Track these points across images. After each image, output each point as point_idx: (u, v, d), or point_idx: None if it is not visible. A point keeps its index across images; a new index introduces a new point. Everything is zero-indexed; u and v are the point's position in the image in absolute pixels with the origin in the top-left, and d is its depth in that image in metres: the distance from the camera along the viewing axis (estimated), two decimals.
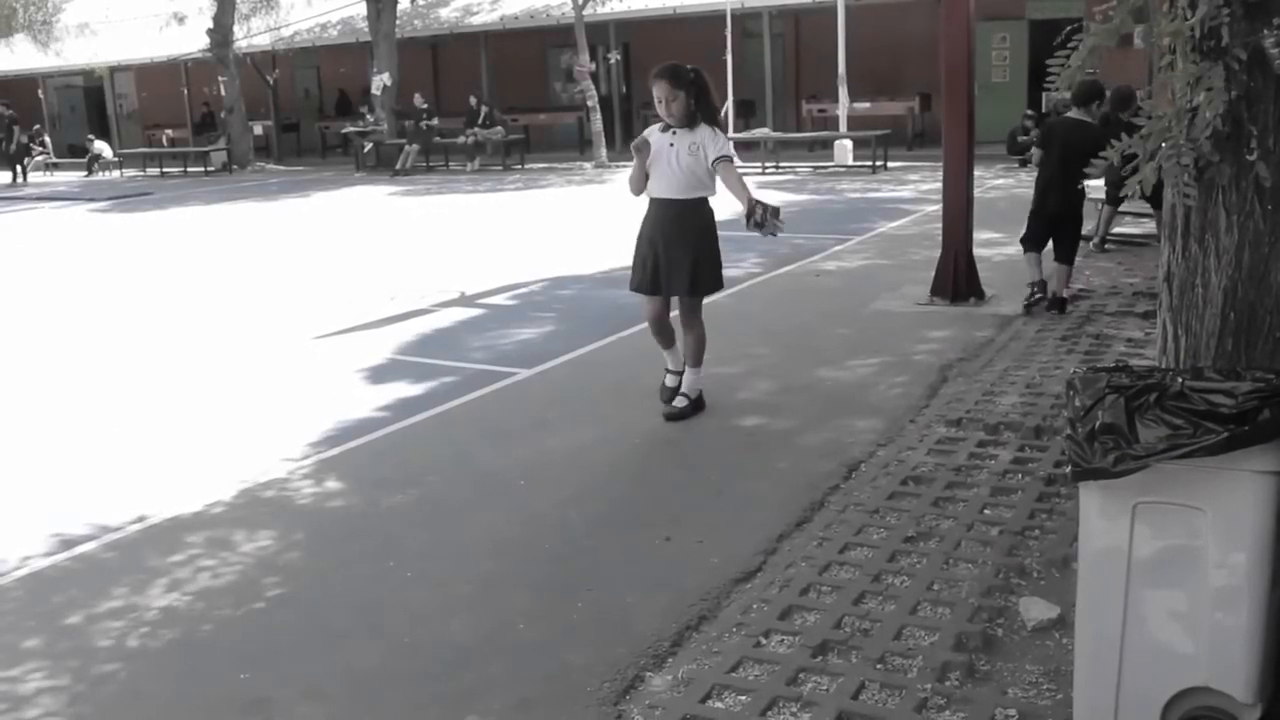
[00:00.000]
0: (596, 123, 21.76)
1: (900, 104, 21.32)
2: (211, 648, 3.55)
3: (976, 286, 7.81)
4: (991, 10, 18.13)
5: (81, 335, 8.61)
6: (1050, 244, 7.38)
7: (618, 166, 20.29)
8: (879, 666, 3.13)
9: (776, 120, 21.85)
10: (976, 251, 7.96)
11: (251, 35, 27.88)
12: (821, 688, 3.06)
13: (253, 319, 8.84)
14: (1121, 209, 9.52)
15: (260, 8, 27.80)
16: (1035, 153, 7.86)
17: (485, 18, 25.73)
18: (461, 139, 23.15)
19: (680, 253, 5.37)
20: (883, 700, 2.99)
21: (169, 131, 30.74)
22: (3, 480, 5.13)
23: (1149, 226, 9.54)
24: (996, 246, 9.59)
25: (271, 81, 28.31)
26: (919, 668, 3.11)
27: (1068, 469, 2.64)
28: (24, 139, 28.16)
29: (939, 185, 8.27)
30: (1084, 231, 7.70)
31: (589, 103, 21.53)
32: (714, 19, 20.79)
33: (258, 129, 28.46)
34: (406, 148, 23.18)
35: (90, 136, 29.37)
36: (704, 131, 5.32)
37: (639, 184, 5.47)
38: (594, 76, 21.71)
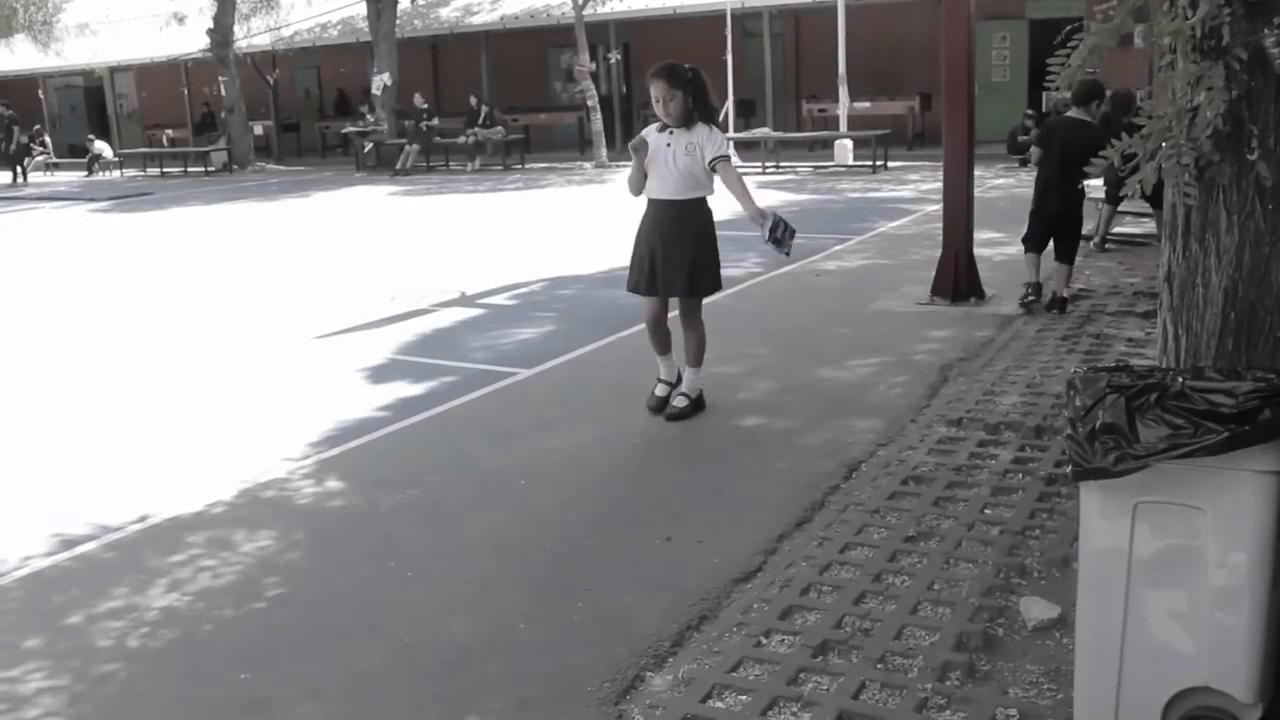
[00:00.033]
0: (597, 123, 21.76)
1: (900, 104, 21.32)
2: (212, 648, 3.55)
3: (977, 286, 7.81)
4: (992, 10, 18.13)
5: (82, 335, 8.61)
6: (1051, 244, 7.39)
7: (618, 166, 20.29)
8: (879, 666, 3.13)
9: (777, 120, 21.85)
10: (977, 251, 7.96)
11: (252, 35, 27.89)
12: (822, 687, 3.06)
13: (253, 319, 8.85)
14: (1121, 209, 9.52)
15: (260, 8, 27.80)
16: (1035, 152, 7.86)
17: (485, 17, 25.74)
18: (462, 139, 23.15)
19: (678, 253, 5.35)
20: (883, 700, 2.99)
21: (169, 131, 30.74)
22: (3, 480, 5.13)
23: (1149, 226, 9.54)
24: (997, 246, 9.58)
25: (272, 81, 28.31)
26: (920, 667, 3.11)
27: (1068, 469, 2.64)
28: (24, 139, 28.17)
29: (939, 185, 8.27)
30: (1084, 231, 7.71)
31: (589, 103, 21.53)
32: (714, 19, 20.79)
33: (258, 129, 28.46)
34: (407, 148, 23.18)
35: (90, 136, 29.38)
36: (701, 131, 5.29)
37: (638, 184, 5.45)
38: (594, 76, 21.71)
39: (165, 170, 28.09)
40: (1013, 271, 8.18)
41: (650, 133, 5.42)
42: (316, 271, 11.17)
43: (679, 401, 5.56)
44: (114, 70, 31.62)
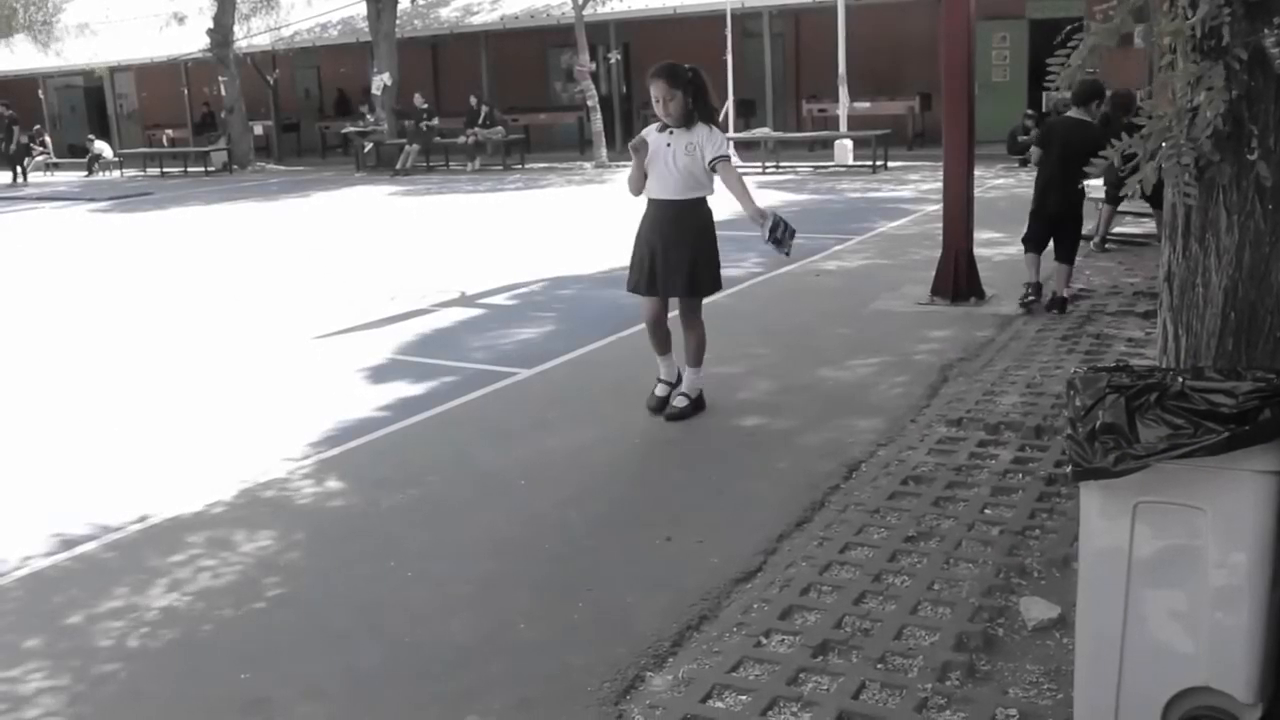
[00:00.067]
0: (597, 123, 21.76)
1: (900, 103, 21.32)
2: (212, 648, 3.55)
3: (977, 286, 7.81)
4: (992, 9, 18.13)
5: (83, 335, 8.61)
6: (1051, 244, 7.39)
7: (618, 166, 20.29)
8: (879, 666, 3.13)
9: (777, 120, 21.85)
10: (977, 251, 7.96)
11: (252, 35, 27.89)
12: (822, 687, 3.06)
13: (253, 319, 8.85)
14: (1121, 209, 9.52)
15: (260, 8, 27.80)
16: (1035, 152, 7.87)
17: (485, 17, 25.74)
18: (462, 139, 23.15)
19: (678, 254, 5.35)
20: (883, 700, 2.99)
21: (169, 131, 30.74)
22: (4, 480, 5.13)
23: (1149, 226, 9.54)
24: (997, 246, 9.58)
25: (272, 81, 28.32)
26: (920, 667, 3.11)
27: (1068, 469, 2.64)
28: (24, 139, 28.17)
29: (939, 185, 8.27)
30: (1084, 231, 7.71)
31: (589, 103, 21.53)
32: (714, 18, 20.79)
33: (258, 129, 28.47)
34: (407, 148, 23.18)
35: (90, 136, 29.38)
36: (701, 131, 5.28)
37: (638, 184, 5.45)
38: (594, 76, 21.71)
39: (165, 170, 28.09)
40: (1013, 271, 8.18)
41: (650, 133, 5.40)
42: (316, 271, 11.17)
43: (679, 401, 5.56)
44: (114, 70, 31.63)
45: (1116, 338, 6.47)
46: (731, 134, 19.78)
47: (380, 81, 24.59)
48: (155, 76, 31.53)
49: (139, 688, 3.34)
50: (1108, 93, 7.99)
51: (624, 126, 23.12)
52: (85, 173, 27.92)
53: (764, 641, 3.32)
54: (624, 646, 3.37)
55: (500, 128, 22.91)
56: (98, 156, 28.10)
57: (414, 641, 3.51)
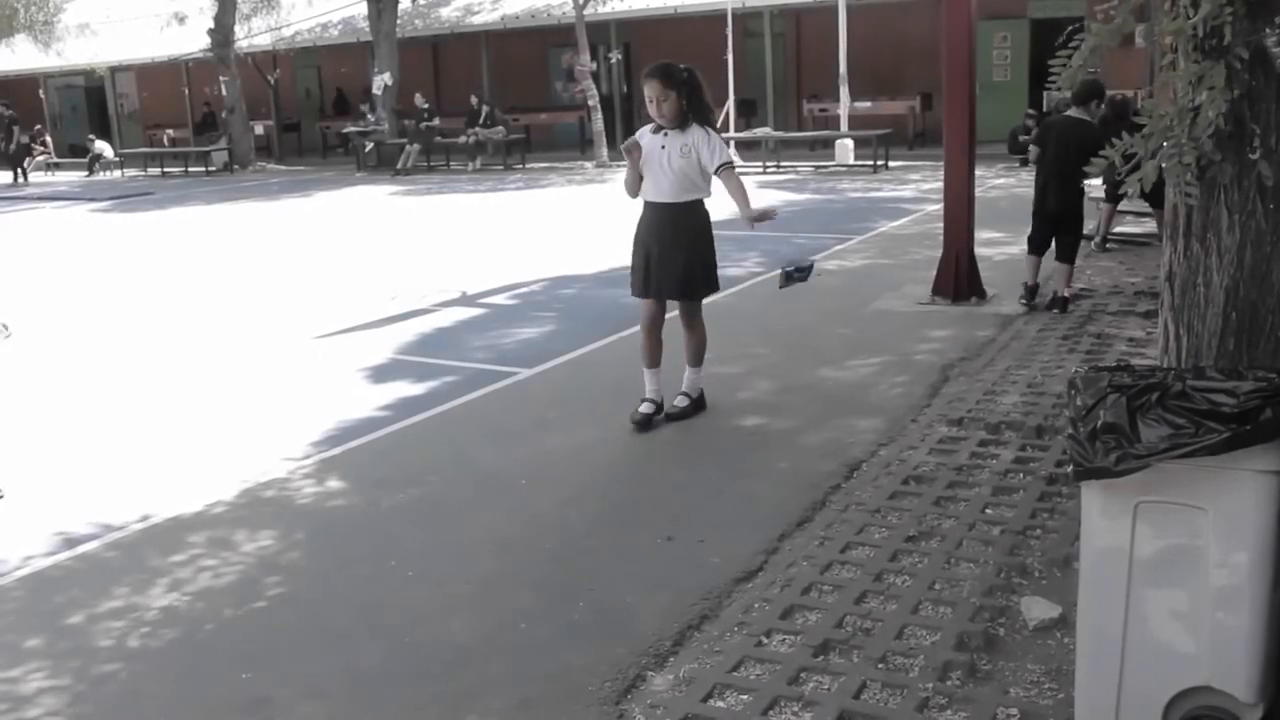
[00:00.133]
0: (598, 122, 21.76)
1: (901, 103, 21.32)
2: (212, 647, 3.55)
3: (978, 286, 7.81)
4: (993, 9, 18.12)
5: (83, 335, 8.62)
6: (1052, 245, 7.39)
7: (619, 166, 20.27)
8: (881, 666, 3.13)
9: (777, 120, 21.85)
10: (978, 251, 7.96)
11: (252, 35, 27.89)
12: (823, 687, 3.06)
13: (254, 318, 8.85)
14: (1122, 208, 9.52)
15: (261, 7, 27.80)
16: (1033, 151, 7.87)
17: (486, 17, 25.74)
18: (462, 139, 23.15)
19: (673, 257, 5.29)
20: (884, 700, 2.99)
21: (170, 131, 30.73)
22: (5, 480, 5.13)
23: (1150, 226, 9.54)
24: (998, 246, 9.58)
25: (272, 81, 28.32)
26: (921, 667, 3.11)
27: (1069, 468, 2.63)
28: (25, 139, 28.16)
29: (940, 185, 8.27)
30: (1085, 231, 7.71)
31: (590, 102, 21.53)
32: (715, 18, 20.80)
33: (259, 129, 28.47)
34: (407, 147, 23.19)
35: (91, 136, 29.37)
36: (696, 133, 5.21)
37: (634, 186, 5.38)
38: (595, 76, 21.71)
39: (166, 170, 28.09)
40: (1014, 271, 8.18)
41: (644, 134, 5.34)
42: (317, 271, 11.17)
43: (679, 401, 5.55)
44: (115, 70, 31.62)
45: (1118, 337, 6.47)
46: (732, 134, 19.81)
47: (381, 81, 24.59)
48: (156, 76, 31.53)
49: (140, 687, 3.34)
50: (1108, 93, 7.99)
51: (625, 126, 23.09)
52: (86, 173, 27.91)
53: (765, 641, 3.32)
54: (625, 646, 3.37)
55: (501, 127, 22.91)
56: (98, 156, 28.10)
57: (414, 641, 3.51)
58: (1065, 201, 7.23)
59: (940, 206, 8.23)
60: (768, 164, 19.55)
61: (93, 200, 21.02)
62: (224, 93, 26.57)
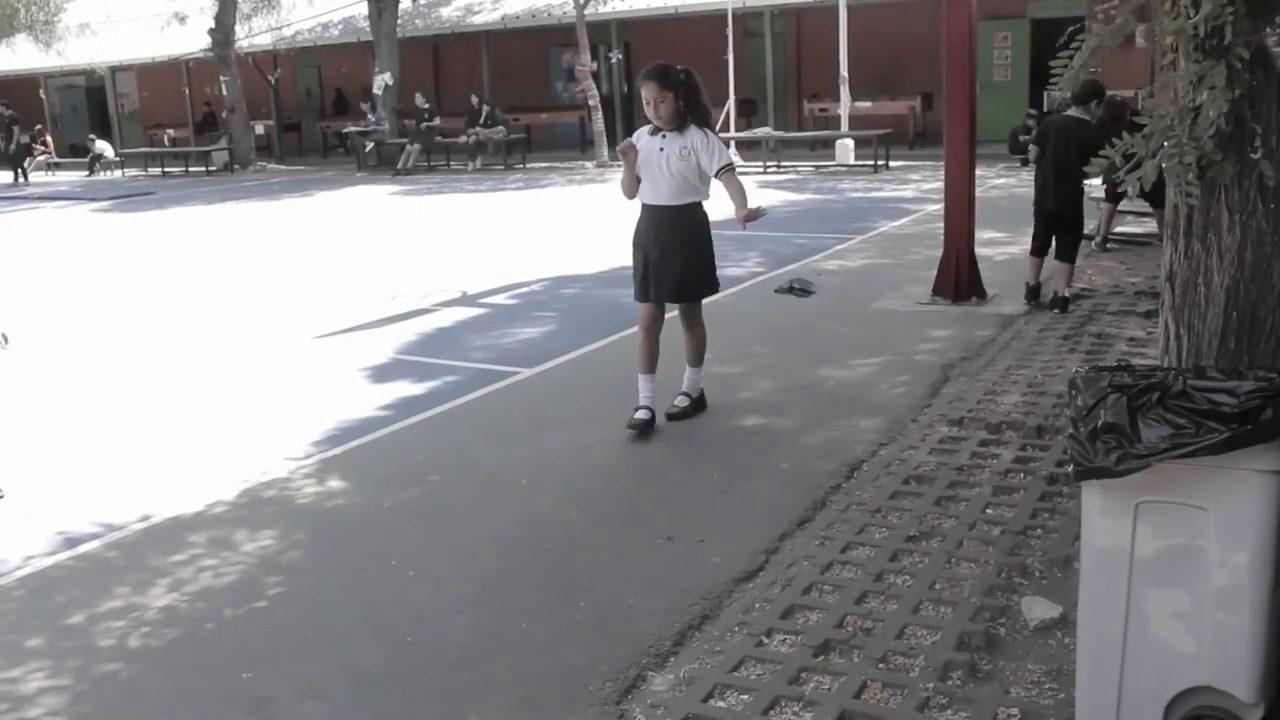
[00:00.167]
0: (598, 122, 21.77)
1: (902, 103, 21.31)
2: (213, 647, 3.55)
3: (978, 286, 7.81)
4: (993, 9, 18.13)
5: (83, 335, 8.62)
6: (1053, 244, 7.40)
7: (619, 166, 20.23)
8: (881, 666, 3.13)
9: (778, 119, 21.85)
10: (978, 251, 7.96)
11: (253, 35, 27.90)
12: (824, 687, 3.06)
13: (255, 318, 8.85)
14: (1122, 208, 9.52)
15: (262, 7, 27.80)
16: (1033, 150, 7.88)
17: (487, 17, 25.74)
18: (463, 138, 23.15)
19: (671, 260, 5.26)
20: (885, 700, 2.99)
21: (170, 131, 30.77)
22: (6, 480, 5.13)
23: (1151, 226, 9.54)
24: (998, 246, 9.59)
25: (273, 81, 28.33)
26: (921, 667, 3.11)
27: (1070, 468, 2.63)
28: (25, 139, 28.16)
29: (940, 184, 8.27)
30: (1086, 231, 7.71)
31: (590, 102, 21.53)
32: (715, 18, 20.80)
33: (259, 129, 28.48)
34: (408, 147, 23.19)
35: (92, 136, 29.38)
36: (695, 135, 5.17)
37: (630, 188, 5.35)
38: (595, 76, 21.71)
39: (166, 170, 28.10)
40: (1014, 271, 8.19)
41: (642, 136, 5.30)
42: (318, 271, 11.17)
43: (680, 401, 5.54)
44: (115, 70, 31.63)
45: (1118, 337, 6.47)
46: (733, 133, 19.81)
47: (382, 81, 24.60)
48: (157, 76, 31.54)
49: (140, 687, 3.34)
50: (1108, 93, 7.98)
51: (625, 126, 23.10)
52: (86, 172, 27.92)
53: (765, 641, 3.32)
54: (625, 646, 3.37)
55: (501, 127, 22.91)
56: (99, 156, 28.11)
57: (415, 641, 3.51)
58: (1065, 201, 7.23)
59: (941, 206, 8.23)
60: (768, 164, 19.55)
61: (93, 200, 21.03)
62: (224, 92, 26.58)
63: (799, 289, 5.40)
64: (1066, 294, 7.30)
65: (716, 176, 5.20)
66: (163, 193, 21.98)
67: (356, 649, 3.48)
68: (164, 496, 4.85)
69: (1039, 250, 7.49)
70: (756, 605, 3.54)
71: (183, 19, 27.69)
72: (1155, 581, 2.51)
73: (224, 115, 27.38)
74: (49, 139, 30.43)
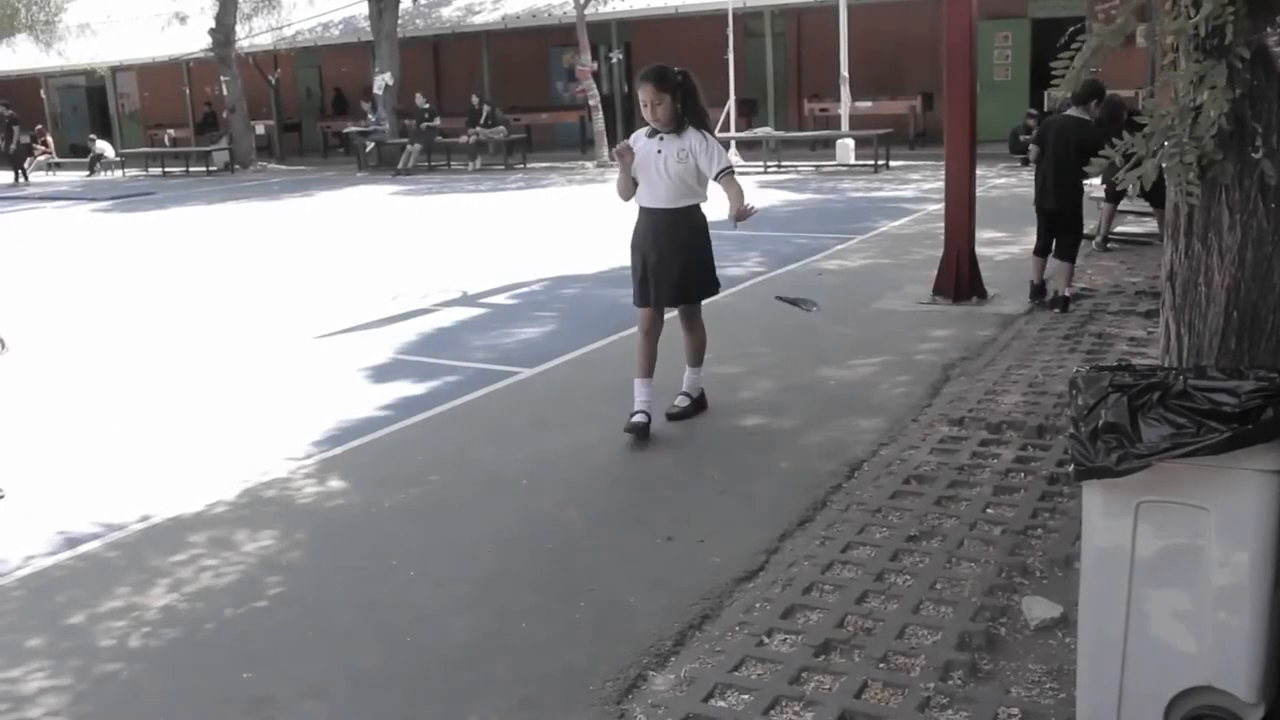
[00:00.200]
0: (598, 122, 21.76)
1: (902, 103, 21.32)
2: (214, 647, 3.55)
3: (979, 286, 7.81)
4: (993, 8, 18.13)
5: (83, 335, 8.62)
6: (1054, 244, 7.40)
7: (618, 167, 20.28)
8: (882, 665, 3.13)
9: (778, 119, 21.85)
10: (979, 250, 7.96)
11: (253, 35, 27.91)
12: (824, 687, 3.06)
13: (255, 318, 8.85)
14: (1123, 208, 9.52)
15: (262, 7, 27.81)
16: (1033, 150, 7.88)
17: (487, 17, 25.75)
18: (463, 138, 23.15)
19: (670, 263, 5.24)
20: (885, 699, 2.99)
21: (171, 131, 30.77)
22: (7, 480, 5.13)
23: (1151, 225, 9.54)
24: (999, 245, 9.58)
25: (273, 81, 28.33)
26: (922, 667, 3.11)
27: (1070, 468, 2.63)
28: (25, 139, 28.17)
29: (941, 184, 8.27)
30: (1086, 231, 7.71)
31: (591, 102, 21.53)
32: (716, 18, 20.80)
33: (260, 129, 28.48)
34: (408, 147, 23.19)
35: (92, 136, 29.40)
36: (693, 137, 5.13)
37: (627, 190, 5.30)
38: (596, 76, 21.71)
39: (167, 170, 28.11)
40: (1014, 271, 8.19)
41: (639, 138, 5.27)
42: (318, 271, 11.17)
43: (680, 401, 5.54)
44: (116, 70, 31.64)
45: (1119, 337, 6.47)
46: (733, 133, 19.81)
47: (382, 81, 24.60)
48: (157, 76, 31.55)
49: (141, 687, 3.34)
50: (1107, 93, 7.98)
51: (625, 126, 23.09)
52: (87, 172, 27.93)
53: (766, 641, 3.32)
54: (626, 646, 3.37)
55: (502, 127, 22.91)
56: (99, 156, 28.11)
57: (415, 641, 3.51)
58: (1065, 200, 7.23)
59: (941, 206, 8.23)
60: (768, 164, 19.55)
61: (94, 200, 21.03)
62: (225, 92, 26.59)
63: (803, 303, 5.39)
64: (1067, 294, 7.30)
65: (715, 179, 5.18)
66: (163, 193, 21.98)
67: (356, 649, 3.48)
68: (164, 496, 4.85)
69: (1042, 250, 7.49)
70: (757, 605, 3.53)
71: (183, 19, 27.70)
72: (1156, 581, 2.51)
73: (224, 115, 27.39)
74: (49, 139, 30.44)
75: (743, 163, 18.96)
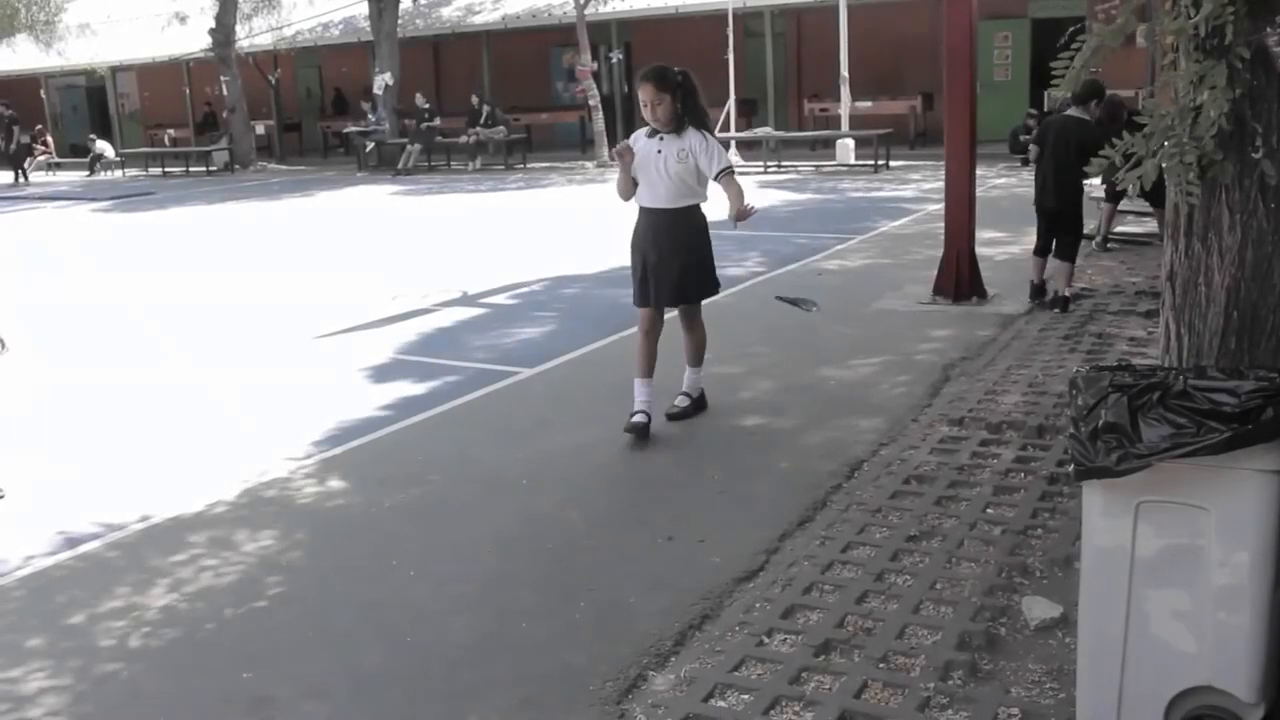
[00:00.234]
0: (598, 122, 21.76)
1: (902, 103, 21.32)
2: (214, 647, 3.55)
3: (979, 286, 7.81)
4: (994, 8, 18.12)
5: (83, 335, 8.62)
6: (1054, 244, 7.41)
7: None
8: (882, 665, 3.13)
9: (778, 119, 21.85)
10: (978, 250, 7.96)
11: (253, 35, 27.91)
12: (824, 687, 3.06)
13: (256, 318, 8.85)
14: (1122, 208, 9.52)
15: (262, 7, 27.81)
16: (1033, 150, 7.88)
17: (487, 17, 25.75)
18: (463, 138, 23.15)
19: (670, 263, 5.23)
20: (885, 699, 2.99)
21: (171, 131, 30.77)
22: (7, 479, 5.13)
23: (1151, 225, 9.54)
24: (999, 245, 9.58)
25: (273, 81, 28.33)
26: (922, 667, 3.11)
27: (1070, 468, 2.63)
28: (25, 139, 28.17)
29: (941, 184, 8.27)
30: (1086, 231, 7.71)
31: (591, 102, 21.53)
32: (716, 18, 20.80)
33: (260, 129, 28.48)
34: (408, 147, 23.19)
35: (92, 136, 29.39)
36: (693, 137, 5.13)
37: (626, 190, 5.30)
38: (596, 76, 21.71)
39: (167, 170, 28.11)
40: (1014, 271, 8.19)
41: (639, 138, 5.26)
42: (318, 271, 11.17)
43: (680, 401, 5.54)
44: (116, 70, 31.65)
45: (1119, 337, 6.47)
46: (733, 133, 19.81)
47: (382, 81, 24.60)
48: (157, 76, 31.55)
49: (141, 687, 3.34)
50: (1107, 93, 7.98)
51: (625, 126, 23.09)
52: (87, 172, 27.93)
53: (766, 641, 3.32)
54: (626, 646, 3.37)
55: (502, 127, 22.91)
56: (99, 156, 28.11)
57: (416, 641, 3.51)
58: (1064, 200, 7.24)
59: (941, 206, 8.22)
60: (768, 164, 19.55)
61: (94, 200, 21.03)
62: (225, 92, 26.59)
63: (803, 303, 5.39)
64: (1067, 293, 7.30)
65: (716, 180, 5.17)
66: (163, 193, 21.98)
67: (357, 649, 3.48)
68: (164, 496, 4.85)
69: (1042, 250, 7.49)
70: (757, 605, 3.54)
71: (183, 19, 27.69)
72: (1156, 581, 2.51)
73: (224, 115, 27.39)
74: (49, 139, 30.43)
75: (743, 163, 18.96)
